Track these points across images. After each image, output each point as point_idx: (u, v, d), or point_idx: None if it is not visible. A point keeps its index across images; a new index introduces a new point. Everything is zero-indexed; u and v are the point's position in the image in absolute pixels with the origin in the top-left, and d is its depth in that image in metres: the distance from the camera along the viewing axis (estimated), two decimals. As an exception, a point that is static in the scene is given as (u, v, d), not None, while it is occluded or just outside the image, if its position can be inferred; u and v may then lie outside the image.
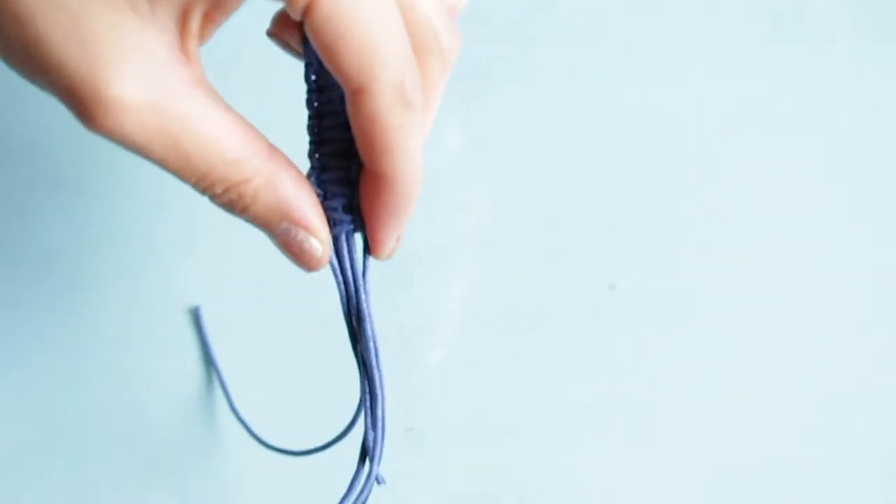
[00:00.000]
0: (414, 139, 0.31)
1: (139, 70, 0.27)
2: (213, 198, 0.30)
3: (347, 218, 0.33)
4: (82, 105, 0.27)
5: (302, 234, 0.31)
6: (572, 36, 0.53)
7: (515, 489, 0.51)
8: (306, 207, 0.31)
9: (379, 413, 0.35)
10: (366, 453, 0.35)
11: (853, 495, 0.52)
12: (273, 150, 0.31)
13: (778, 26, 0.53)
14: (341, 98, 0.31)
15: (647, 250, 0.52)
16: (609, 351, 0.52)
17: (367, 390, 0.35)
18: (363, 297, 0.34)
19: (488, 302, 0.52)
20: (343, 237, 0.33)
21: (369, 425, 0.35)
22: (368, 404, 0.35)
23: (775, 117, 0.53)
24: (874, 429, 0.52)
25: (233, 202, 0.30)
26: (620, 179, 0.52)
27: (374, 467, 0.35)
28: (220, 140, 0.29)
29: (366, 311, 0.34)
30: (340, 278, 0.34)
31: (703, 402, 0.52)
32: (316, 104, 0.32)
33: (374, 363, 0.35)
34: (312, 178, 0.33)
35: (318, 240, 0.32)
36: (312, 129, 0.33)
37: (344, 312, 0.34)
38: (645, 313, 0.52)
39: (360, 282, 0.34)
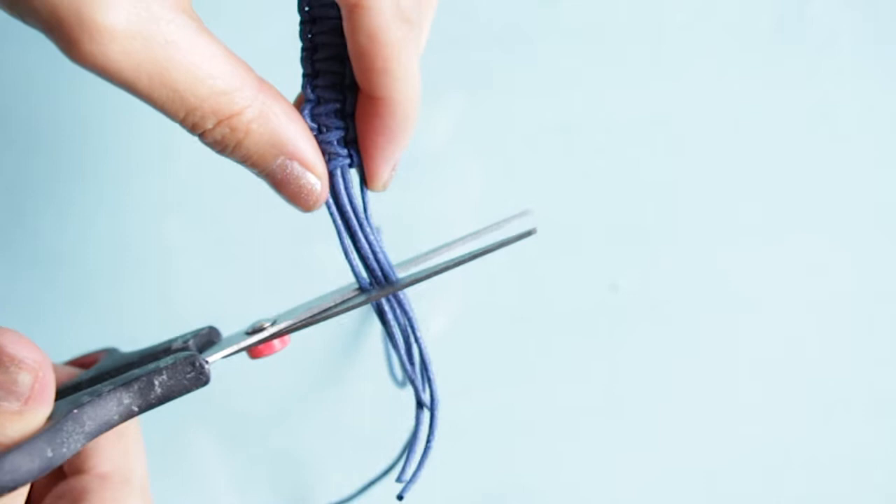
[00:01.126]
0: (412, 56, 0.29)
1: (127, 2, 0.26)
2: (204, 135, 0.28)
3: (344, 152, 0.31)
4: (66, 34, 0.25)
5: (298, 169, 0.30)
6: (572, 38, 0.53)
7: (519, 489, 0.51)
8: (302, 140, 0.30)
9: (417, 356, 0.34)
10: (421, 403, 0.34)
11: (853, 495, 0.52)
12: (262, 81, 0.29)
13: (779, 29, 0.53)
14: (335, 29, 0.30)
15: (648, 251, 0.52)
16: (609, 351, 0.52)
17: (396, 334, 0.33)
18: (370, 232, 0.32)
19: (488, 303, 0.52)
20: (339, 172, 0.31)
21: (409, 371, 0.33)
22: (403, 350, 0.33)
23: (776, 119, 0.53)
24: (874, 429, 0.52)
25: (225, 138, 0.28)
26: (621, 180, 0.52)
27: (435, 412, 0.33)
28: (210, 69, 0.27)
29: (378, 247, 0.32)
30: (338, 215, 0.32)
31: (704, 401, 0.52)
32: (310, 35, 0.31)
33: (404, 302, 0.33)
34: (306, 112, 0.31)
35: (316, 175, 0.30)
36: (306, 62, 0.31)
37: (344, 251, 0.32)
38: (645, 313, 0.52)
39: (363, 217, 0.32)
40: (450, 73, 0.52)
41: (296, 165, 0.29)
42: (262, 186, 0.31)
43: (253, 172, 0.30)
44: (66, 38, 0.25)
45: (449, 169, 0.52)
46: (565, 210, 0.52)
